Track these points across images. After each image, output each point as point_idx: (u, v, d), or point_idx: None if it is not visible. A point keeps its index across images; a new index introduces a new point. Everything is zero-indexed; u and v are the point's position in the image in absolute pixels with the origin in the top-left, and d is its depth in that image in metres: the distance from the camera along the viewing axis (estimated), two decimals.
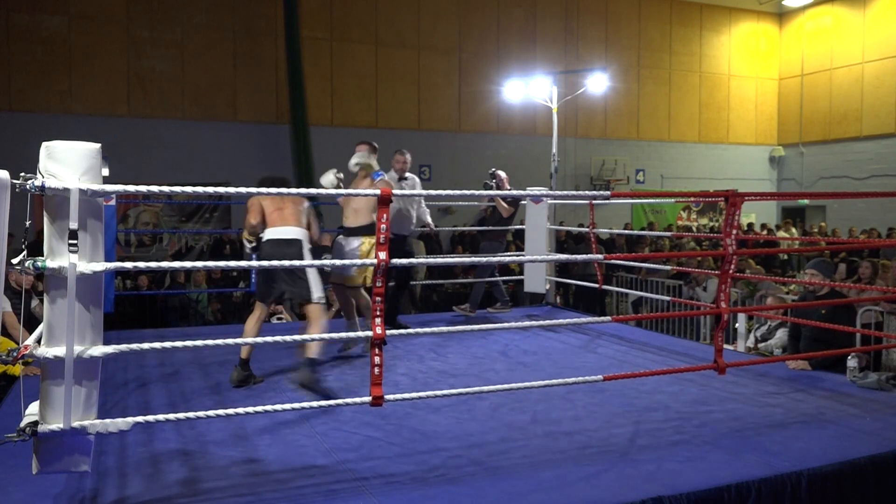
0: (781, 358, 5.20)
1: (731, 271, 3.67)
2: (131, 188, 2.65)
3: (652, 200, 18.75)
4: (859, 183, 17.43)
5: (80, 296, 2.42)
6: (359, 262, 4.13)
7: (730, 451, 3.25)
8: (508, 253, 8.96)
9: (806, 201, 18.87)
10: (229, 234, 13.38)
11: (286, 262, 3.22)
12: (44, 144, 2.41)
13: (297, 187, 4.77)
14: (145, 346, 2.69)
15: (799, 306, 5.46)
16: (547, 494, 2.80)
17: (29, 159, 2.64)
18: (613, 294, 10.99)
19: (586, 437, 3.49)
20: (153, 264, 2.83)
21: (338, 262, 4.93)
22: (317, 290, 4.47)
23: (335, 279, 5.45)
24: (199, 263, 7.04)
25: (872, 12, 17.51)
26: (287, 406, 2.92)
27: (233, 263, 7.57)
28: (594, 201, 8.05)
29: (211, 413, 2.78)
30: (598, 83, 11.89)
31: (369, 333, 2.94)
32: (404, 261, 3.21)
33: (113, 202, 5.74)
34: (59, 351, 2.40)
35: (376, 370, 2.96)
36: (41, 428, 2.43)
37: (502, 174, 7.29)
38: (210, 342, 2.87)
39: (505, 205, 7.07)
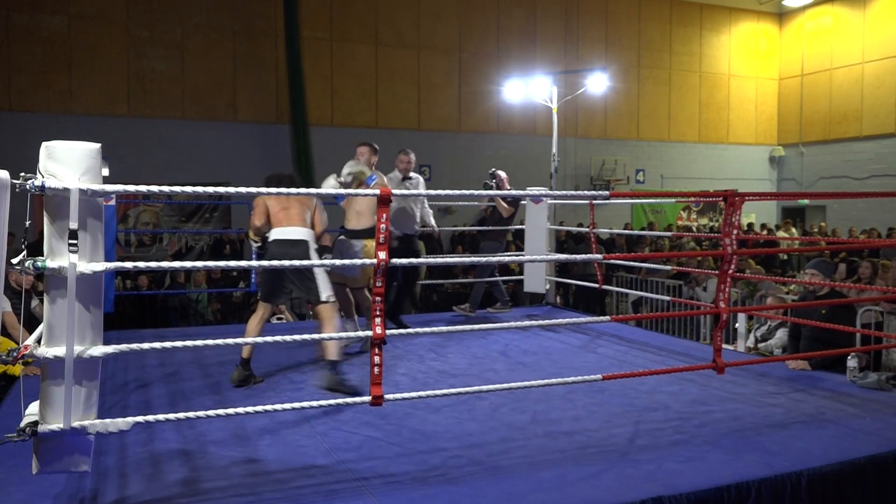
0: (781, 358, 5.20)
1: (730, 271, 3.67)
2: (131, 188, 2.65)
3: (652, 200, 18.76)
4: (859, 183, 17.43)
5: (80, 296, 2.42)
6: (359, 261, 4.13)
7: (730, 451, 3.25)
8: (508, 253, 8.96)
9: (806, 201, 18.87)
10: (229, 234, 13.40)
11: (286, 262, 3.22)
12: (44, 144, 2.41)
13: (298, 187, 4.79)
14: (145, 346, 2.69)
15: (799, 306, 5.46)
16: (547, 494, 2.80)
17: (29, 159, 2.64)
18: (613, 294, 10.99)
19: (586, 437, 3.49)
20: (153, 264, 2.82)
21: (337, 261, 4.92)
22: (325, 290, 4.47)
23: (336, 279, 5.44)
24: (199, 263, 7.05)
25: (872, 12, 17.51)
26: (287, 406, 2.92)
27: (233, 263, 7.60)
28: (594, 201, 8.04)
29: (211, 413, 2.78)
30: (598, 83, 11.89)
31: (369, 333, 2.94)
32: (403, 260, 3.20)
33: (113, 202, 5.74)
34: (59, 351, 2.40)
35: (376, 370, 2.96)
36: (41, 428, 2.43)
37: (502, 174, 7.29)
38: (210, 342, 2.87)
39: (505, 205, 7.07)
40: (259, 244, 4.77)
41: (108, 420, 2.54)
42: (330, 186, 5.30)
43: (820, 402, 4.06)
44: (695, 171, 18.92)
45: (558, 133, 10.69)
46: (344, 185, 5.29)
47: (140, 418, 2.64)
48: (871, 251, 10.80)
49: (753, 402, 4.08)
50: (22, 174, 2.32)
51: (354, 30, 15.43)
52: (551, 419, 3.77)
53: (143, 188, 2.66)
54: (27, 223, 2.31)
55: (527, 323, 3.88)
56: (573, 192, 5.30)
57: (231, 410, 2.82)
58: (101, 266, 2.45)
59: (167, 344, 2.76)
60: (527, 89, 11.95)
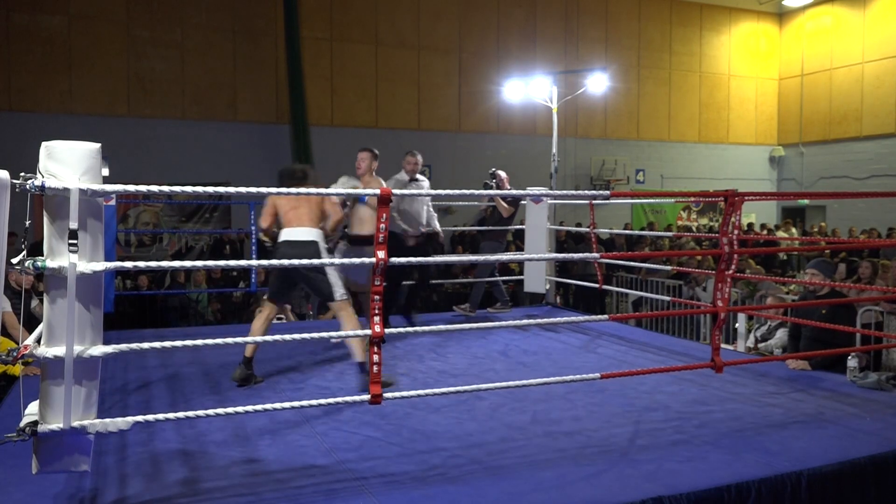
0: (781, 358, 5.20)
1: (729, 271, 3.67)
2: (131, 188, 2.64)
3: (652, 200, 18.76)
4: (859, 183, 17.43)
5: (80, 296, 2.42)
6: (357, 260, 4.13)
7: (730, 451, 3.25)
8: (508, 253, 8.96)
9: (806, 201, 18.87)
10: (229, 234, 13.40)
11: (285, 262, 3.21)
12: (44, 144, 2.41)
13: (311, 180, 4.80)
14: (145, 345, 2.69)
15: (799, 306, 5.46)
16: (547, 494, 2.80)
17: (29, 159, 2.64)
18: (613, 294, 10.99)
19: (586, 437, 3.49)
20: (153, 264, 2.82)
21: (337, 261, 4.92)
22: (339, 288, 4.48)
23: (355, 288, 5.43)
24: (199, 263, 7.04)
25: (872, 12, 17.51)
26: (287, 406, 2.92)
27: (233, 263, 7.60)
28: (594, 201, 8.04)
29: (211, 413, 2.78)
30: (598, 83, 11.89)
31: (368, 332, 2.94)
32: (402, 260, 3.20)
33: (113, 202, 5.74)
34: (59, 351, 2.40)
35: (375, 368, 2.96)
36: (41, 428, 2.43)
37: (502, 174, 7.29)
38: (210, 342, 2.87)
39: (505, 205, 7.07)
40: (271, 245, 4.77)
41: (108, 420, 2.53)
42: (342, 186, 5.31)
43: (820, 402, 4.06)
44: (695, 171, 18.92)
45: (558, 133, 10.69)
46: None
47: (140, 418, 2.64)
48: (871, 251, 10.80)
49: (753, 402, 4.08)
50: (22, 174, 2.32)
51: (354, 30, 15.42)
52: (551, 419, 3.77)
53: (143, 188, 2.66)
54: (27, 223, 2.31)
55: (527, 322, 3.87)
56: (573, 192, 5.29)
57: (231, 410, 2.82)
58: (101, 266, 2.45)
59: (167, 344, 2.76)
60: (527, 89, 11.94)
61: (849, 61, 17.98)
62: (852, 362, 4.53)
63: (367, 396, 2.95)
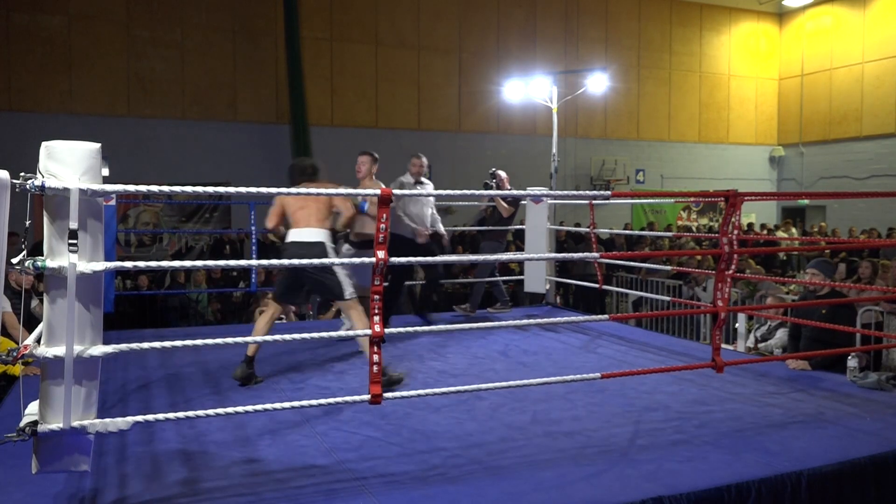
0: (781, 358, 5.20)
1: (729, 271, 3.67)
2: (131, 188, 2.64)
3: (652, 200, 18.76)
4: (859, 183, 17.43)
5: (80, 296, 2.42)
6: (357, 260, 4.13)
7: (730, 451, 3.25)
8: (508, 253, 8.96)
9: (806, 201, 18.88)
10: (229, 234, 13.39)
11: (286, 262, 3.22)
12: (44, 144, 2.41)
13: (321, 175, 4.80)
14: (145, 345, 2.69)
15: (799, 306, 5.46)
16: (547, 494, 2.80)
17: (29, 159, 2.64)
18: (613, 294, 10.99)
19: (586, 437, 3.49)
20: (153, 264, 2.82)
21: (338, 260, 4.92)
22: (348, 287, 4.49)
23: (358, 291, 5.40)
24: (199, 263, 7.04)
25: (872, 12, 17.51)
26: (287, 406, 2.92)
27: (233, 263, 7.60)
28: (594, 201, 8.05)
29: (211, 413, 2.78)
30: (598, 83, 11.89)
31: (368, 332, 2.94)
32: (402, 260, 3.20)
33: (113, 202, 5.74)
34: (59, 351, 2.40)
35: (375, 368, 2.96)
36: (41, 428, 2.43)
37: (503, 174, 7.29)
38: (210, 342, 2.87)
39: (505, 205, 7.07)
40: (280, 244, 4.78)
41: (108, 420, 2.53)
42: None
43: (820, 402, 4.06)
44: (695, 171, 18.92)
45: (558, 133, 10.70)
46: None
47: (140, 418, 2.64)
48: (871, 251, 10.80)
49: (753, 402, 4.08)
50: (22, 174, 2.32)
51: (354, 30, 15.43)
52: (551, 419, 3.77)
53: (143, 188, 2.66)
54: (27, 223, 2.31)
55: (527, 322, 3.87)
56: (573, 192, 5.29)
57: (231, 410, 2.82)
58: (101, 266, 2.45)
59: (167, 344, 2.76)
60: (527, 89, 11.95)
61: (849, 61, 17.98)
62: (852, 362, 4.53)
63: (366, 396, 2.95)
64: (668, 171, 18.71)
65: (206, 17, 14.25)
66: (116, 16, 13.63)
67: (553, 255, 6.49)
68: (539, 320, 6.39)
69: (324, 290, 4.62)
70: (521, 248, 9.88)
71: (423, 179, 6.44)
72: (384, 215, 2.88)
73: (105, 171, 2.70)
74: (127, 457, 3.17)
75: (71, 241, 2.37)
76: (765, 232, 16.61)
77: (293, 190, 3.09)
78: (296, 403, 2.97)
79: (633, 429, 3.61)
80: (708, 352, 3.74)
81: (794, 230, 16.94)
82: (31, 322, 4.66)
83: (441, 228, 6.69)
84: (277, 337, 3.02)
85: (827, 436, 3.48)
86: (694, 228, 18.88)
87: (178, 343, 2.78)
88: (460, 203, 15.13)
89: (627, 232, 12.16)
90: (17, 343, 2.56)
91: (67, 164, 2.37)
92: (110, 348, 2.54)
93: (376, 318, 2.94)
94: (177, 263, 4.09)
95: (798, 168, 19.47)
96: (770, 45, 19.93)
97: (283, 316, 7.68)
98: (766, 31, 19.89)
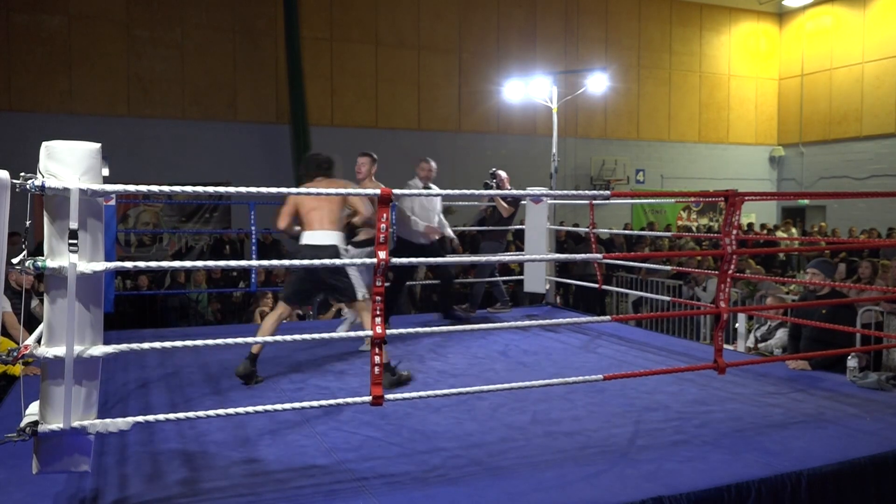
0: (781, 358, 5.20)
1: (730, 271, 3.67)
2: (131, 188, 2.64)
3: (652, 200, 18.76)
4: (859, 183, 17.43)
5: (80, 296, 2.41)
6: (358, 261, 4.13)
7: (730, 451, 3.25)
8: (508, 253, 8.96)
9: (806, 201, 18.87)
10: (229, 234, 13.39)
11: (286, 262, 3.22)
12: (44, 144, 2.41)
13: (297, 187, 4.79)
14: (145, 346, 2.69)
15: (799, 306, 5.46)
16: (547, 494, 2.80)
17: (29, 159, 2.64)
18: (613, 294, 10.98)
19: (586, 437, 3.49)
20: (153, 264, 2.82)
21: (338, 261, 4.92)
22: (360, 288, 4.51)
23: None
24: (199, 263, 7.03)
25: (872, 12, 17.51)
26: (287, 406, 2.92)
27: (233, 263, 7.60)
28: (594, 201, 8.05)
29: (211, 413, 2.78)
30: (598, 83, 11.89)
31: (370, 333, 2.94)
32: (403, 260, 3.20)
33: (113, 202, 5.73)
34: (59, 351, 2.40)
35: (376, 370, 2.96)
36: (41, 428, 2.43)
37: (503, 174, 7.29)
38: (210, 342, 2.87)
39: (505, 205, 7.07)
40: (294, 243, 4.78)
41: (108, 420, 2.53)
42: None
43: (820, 402, 4.06)
44: (695, 171, 18.92)
45: (558, 133, 10.69)
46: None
47: (140, 418, 2.64)
48: (871, 251, 10.80)
49: (753, 402, 4.08)
50: (22, 174, 2.32)
51: (354, 30, 15.42)
52: (551, 419, 3.77)
53: (143, 188, 2.66)
54: (28, 223, 2.31)
55: (527, 323, 3.88)
56: (573, 192, 5.26)
57: (231, 410, 2.82)
58: (101, 266, 2.45)
59: (167, 344, 2.76)
60: (527, 89, 11.94)
61: (849, 61, 17.98)
62: (852, 362, 4.53)
63: (368, 398, 2.95)
64: (668, 171, 18.71)
65: (206, 17, 14.25)
66: (116, 16, 13.63)
67: (554, 255, 6.49)
68: (540, 322, 6.39)
69: (337, 293, 4.64)
70: (521, 248, 9.88)
71: (431, 185, 6.44)
72: (384, 215, 2.88)
73: (105, 171, 2.70)
74: (127, 457, 3.17)
75: (71, 241, 2.37)
76: (765, 232, 16.61)
77: (299, 190, 3.10)
78: (296, 404, 2.97)
79: (633, 429, 3.61)
80: (708, 352, 3.74)
81: (794, 230, 16.94)
82: (31, 322, 4.67)
83: (450, 232, 6.69)
84: (278, 337, 3.02)
85: (827, 436, 3.48)
86: (694, 228, 18.89)
87: (178, 343, 2.78)
88: (460, 203, 15.15)
89: (627, 232, 12.16)
90: (18, 343, 2.56)
91: (67, 164, 2.37)
92: (110, 348, 2.54)
93: (378, 320, 2.94)
94: (177, 263, 4.09)
95: (798, 168, 19.47)
96: (770, 45, 19.93)
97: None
98: (766, 31, 19.89)
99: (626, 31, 18.15)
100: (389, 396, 3.00)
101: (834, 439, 3.42)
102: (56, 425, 2.43)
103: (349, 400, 3.08)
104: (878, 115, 17.31)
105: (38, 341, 2.50)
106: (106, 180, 2.58)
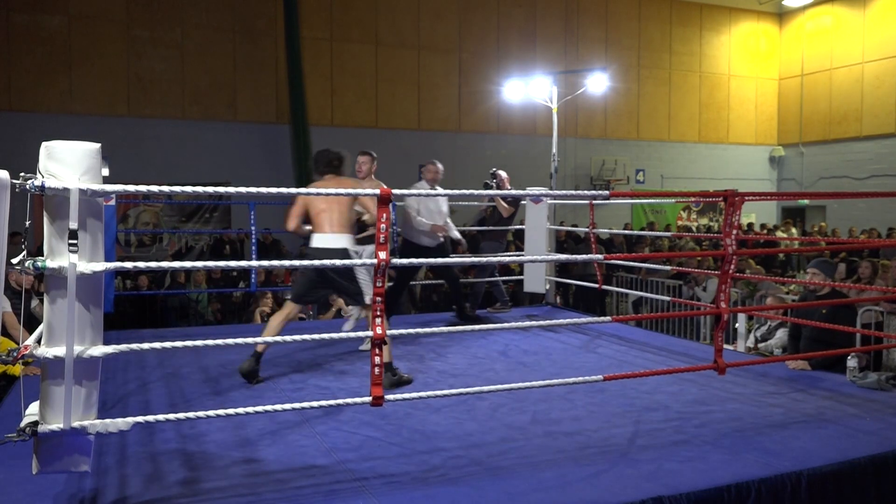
0: (781, 358, 5.20)
1: (731, 271, 3.67)
2: (131, 188, 2.64)
3: (652, 200, 18.76)
4: (859, 183, 17.43)
5: (80, 296, 2.41)
6: (359, 261, 4.14)
7: (730, 451, 3.25)
8: (508, 253, 8.96)
9: (806, 201, 18.87)
10: (229, 234, 13.39)
11: (286, 263, 3.22)
12: (44, 144, 2.41)
13: (298, 187, 4.79)
14: (145, 346, 2.69)
15: (799, 306, 5.46)
16: (547, 494, 2.80)
17: (29, 159, 2.64)
18: (613, 294, 10.99)
19: (586, 437, 3.49)
20: (153, 264, 2.82)
21: (338, 262, 4.92)
22: (369, 291, 4.50)
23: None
24: (199, 263, 7.05)
25: (872, 12, 17.51)
26: (287, 406, 2.92)
27: (233, 263, 7.59)
28: (594, 201, 8.05)
29: (211, 413, 2.78)
30: (598, 83, 11.89)
31: (370, 333, 2.94)
32: (403, 260, 3.20)
33: (113, 202, 5.74)
34: (59, 351, 2.40)
35: (376, 370, 2.96)
36: (41, 428, 2.43)
37: (503, 174, 7.29)
38: (210, 342, 2.87)
39: (505, 205, 7.07)
40: (304, 244, 4.79)
41: (108, 420, 2.53)
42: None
43: (820, 402, 4.06)
44: (695, 171, 18.92)
45: (558, 133, 10.69)
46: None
47: (140, 418, 2.64)
48: (871, 251, 10.80)
49: (753, 402, 4.08)
50: (22, 174, 2.32)
51: (354, 30, 15.42)
52: (551, 419, 3.77)
53: (143, 188, 2.66)
54: (27, 223, 2.31)
55: (527, 323, 3.87)
56: (573, 192, 5.25)
57: (231, 411, 2.82)
58: (101, 266, 2.45)
59: (167, 344, 2.76)
60: (527, 89, 11.94)
61: (849, 61, 17.98)
62: (852, 362, 4.53)
63: (368, 399, 2.95)
64: (668, 171, 18.71)
65: (206, 17, 14.25)
66: (116, 16, 13.63)
67: (554, 256, 6.49)
68: (540, 322, 6.39)
69: (345, 294, 4.65)
70: (521, 248, 9.88)
71: (437, 188, 6.42)
72: (384, 215, 2.88)
73: (105, 171, 2.70)
74: (127, 457, 3.17)
75: (71, 241, 2.37)
76: (765, 232, 16.61)
77: (300, 190, 3.10)
78: (296, 404, 2.97)
79: (633, 429, 3.61)
80: (708, 352, 3.74)
81: (794, 230, 16.94)
82: (31, 322, 4.67)
83: (457, 234, 6.68)
84: (279, 338, 3.02)
85: (827, 436, 3.48)
86: (694, 228, 18.89)
87: (178, 343, 2.78)
88: (460, 203, 15.16)
89: (627, 232, 12.16)
90: (18, 343, 2.56)
91: (67, 164, 2.37)
92: (110, 348, 2.54)
93: (378, 321, 2.94)
94: (177, 264, 4.09)
95: (798, 168, 19.47)
96: (770, 45, 19.93)
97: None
98: (766, 31, 19.89)
99: (626, 31, 18.15)
100: (389, 397, 3.00)
101: (834, 439, 3.42)
102: (56, 425, 2.43)
103: (349, 400, 3.08)
104: (878, 115, 17.31)
105: (38, 341, 2.50)
106: (106, 180, 2.58)
